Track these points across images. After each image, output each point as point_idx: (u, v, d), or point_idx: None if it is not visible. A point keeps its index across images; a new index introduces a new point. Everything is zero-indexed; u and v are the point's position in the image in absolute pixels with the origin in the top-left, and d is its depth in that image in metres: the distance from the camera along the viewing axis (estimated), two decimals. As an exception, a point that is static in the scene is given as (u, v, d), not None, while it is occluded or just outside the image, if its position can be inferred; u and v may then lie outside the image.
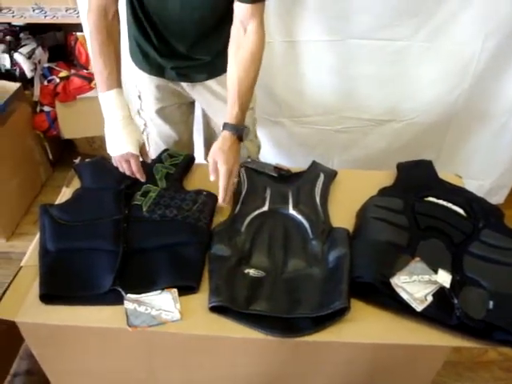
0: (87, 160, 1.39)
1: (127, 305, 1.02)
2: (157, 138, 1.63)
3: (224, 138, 1.23)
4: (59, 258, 1.13)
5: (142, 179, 1.28)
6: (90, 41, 1.26)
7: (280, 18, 1.70)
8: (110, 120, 1.24)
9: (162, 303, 1.03)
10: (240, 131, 1.24)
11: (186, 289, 1.07)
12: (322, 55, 1.79)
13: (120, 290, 1.05)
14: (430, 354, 1.10)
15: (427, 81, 1.85)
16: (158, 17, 1.31)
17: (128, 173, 1.27)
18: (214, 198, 1.26)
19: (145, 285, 1.07)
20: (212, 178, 1.22)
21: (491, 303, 1.00)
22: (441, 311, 0.99)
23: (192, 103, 1.61)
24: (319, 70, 1.84)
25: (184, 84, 1.48)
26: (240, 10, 1.20)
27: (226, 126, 1.24)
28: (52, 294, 1.06)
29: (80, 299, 1.06)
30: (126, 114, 1.25)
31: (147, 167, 1.34)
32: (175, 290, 1.05)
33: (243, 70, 1.23)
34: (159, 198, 1.25)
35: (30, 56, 2.51)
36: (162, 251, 1.13)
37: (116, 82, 1.24)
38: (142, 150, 1.28)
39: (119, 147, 1.24)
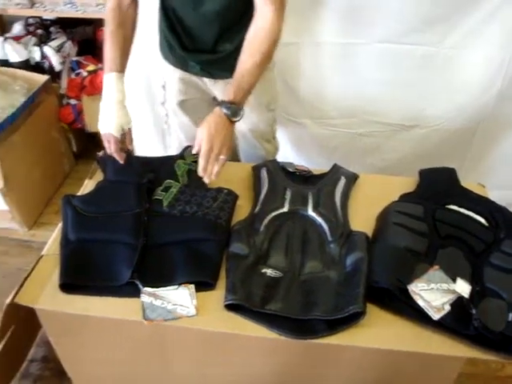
0: (109, 155, 1.40)
1: (144, 298, 1.03)
2: (178, 129, 1.66)
3: (214, 113, 1.21)
4: (80, 248, 1.15)
5: (121, 161, 1.31)
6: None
7: (306, 20, 1.70)
8: (104, 100, 1.29)
9: (179, 298, 1.04)
10: (232, 110, 1.21)
11: (203, 285, 1.07)
12: (347, 58, 1.78)
13: (138, 283, 1.06)
14: (444, 364, 1.08)
15: (453, 87, 1.83)
16: (182, 12, 1.33)
17: (108, 151, 1.31)
18: (235, 196, 1.27)
19: (162, 279, 1.08)
20: (194, 151, 1.20)
21: (511, 315, 0.98)
22: (458, 321, 0.98)
23: (215, 99, 1.62)
24: (344, 72, 1.83)
25: (206, 79, 1.50)
26: None
27: (220, 102, 1.22)
28: (71, 283, 1.08)
29: (98, 290, 1.08)
30: (120, 98, 1.29)
31: (169, 163, 1.36)
32: (192, 285, 1.06)
33: (248, 52, 1.22)
34: (180, 194, 1.26)
35: (59, 49, 2.55)
36: (180, 246, 1.14)
37: (118, 66, 1.29)
38: (126, 136, 1.31)
39: (104, 126, 1.29)
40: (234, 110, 1.21)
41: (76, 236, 1.17)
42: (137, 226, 1.18)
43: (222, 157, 1.19)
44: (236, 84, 1.22)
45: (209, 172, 1.17)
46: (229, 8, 1.27)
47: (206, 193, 1.26)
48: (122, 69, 1.30)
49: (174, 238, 1.17)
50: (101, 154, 1.40)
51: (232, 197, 1.27)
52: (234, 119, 1.23)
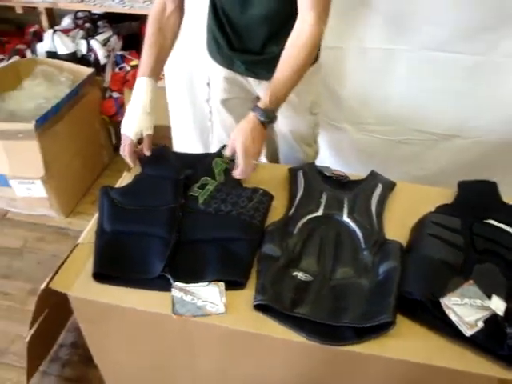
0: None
1: (174, 292, 1.04)
2: (220, 127, 1.66)
3: (248, 119, 1.23)
4: (114, 240, 1.17)
5: (131, 165, 1.33)
6: None
7: (351, 24, 1.69)
8: (132, 102, 1.31)
9: (209, 295, 1.04)
10: (266, 117, 1.22)
11: (233, 284, 1.07)
12: (392, 64, 1.76)
13: (169, 277, 1.07)
14: (474, 382, 1.06)
15: (499, 98, 1.78)
16: (231, 14, 1.34)
17: (122, 153, 1.33)
18: (270, 197, 1.27)
19: (193, 275, 1.09)
20: (227, 153, 1.25)
21: (547, 337, 0.95)
22: (491, 339, 0.95)
23: (258, 99, 1.62)
24: (388, 78, 1.81)
25: (251, 79, 1.50)
26: (301, 2, 1.20)
27: (254, 108, 1.23)
28: (104, 273, 1.10)
29: (129, 282, 1.09)
30: (146, 102, 1.30)
31: (207, 160, 1.37)
32: (222, 283, 1.06)
33: (287, 58, 1.22)
34: (216, 192, 1.27)
35: (105, 43, 2.61)
36: (213, 244, 1.15)
37: (150, 71, 1.30)
38: (144, 141, 1.32)
39: (124, 127, 1.31)
40: (268, 116, 1.22)
41: (111, 227, 1.19)
42: (171, 220, 1.19)
43: (254, 162, 1.23)
44: (272, 91, 1.22)
45: (243, 177, 1.25)
46: (277, 12, 1.27)
47: (241, 192, 1.27)
48: (153, 74, 1.31)
49: (207, 235, 1.18)
50: (140, 147, 1.41)
51: (267, 197, 1.27)
52: (268, 125, 1.24)
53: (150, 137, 1.33)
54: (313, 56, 1.25)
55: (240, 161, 1.22)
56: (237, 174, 1.24)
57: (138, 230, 1.19)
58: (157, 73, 1.33)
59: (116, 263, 1.12)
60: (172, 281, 1.06)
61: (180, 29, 1.37)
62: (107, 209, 1.23)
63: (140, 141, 1.32)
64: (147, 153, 1.33)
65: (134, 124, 1.29)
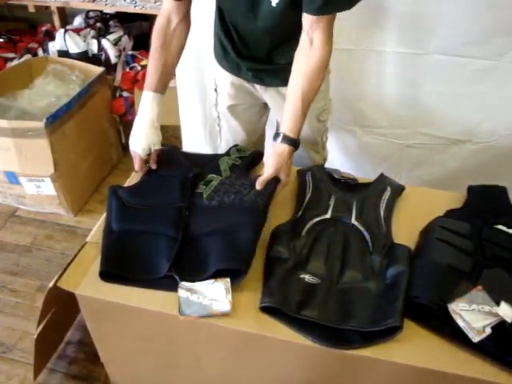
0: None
1: (181, 293, 1.04)
2: (227, 132, 1.66)
3: (282, 152, 1.23)
4: (121, 239, 1.17)
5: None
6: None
7: (363, 26, 1.68)
8: (138, 116, 1.31)
9: (215, 293, 1.04)
10: (293, 143, 1.23)
11: (237, 273, 1.07)
12: (402, 67, 1.75)
13: (175, 276, 1.07)
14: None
15: (511, 103, 1.77)
16: (237, 25, 1.34)
17: (135, 167, 1.34)
18: (276, 180, 1.24)
19: (197, 269, 1.08)
20: (259, 187, 1.22)
21: (556, 345, 0.94)
22: (499, 346, 0.95)
23: (265, 105, 1.62)
24: (398, 82, 1.80)
25: (258, 86, 1.50)
26: (306, 21, 1.18)
27: (285, 138, 1.23)
28: (110, 272, 1.10)
29: (136, 281, 1.09)
30: (152, 117, 1.30)
31: (214, 160, 1.37)
32: (228, 279, 1.05)
33: (308, 83, 1.22)
34: (220, 186, 1.27)
35: (116, 43, 2.63)
36: (215, 236, 1.14)
37: (154, 86, 1.30)
38: (152, 155, 1.33)
39: (131, 142, 1.32)
40: (297, 143, 1.25)
41: (119, 226, 1.19)
42: (178, 219, 1.19)
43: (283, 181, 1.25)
44: (293, 120, 1.23)
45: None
46: (281, 25, 1.25)
47: (244, 181, 1.26)
48: (158, 89, 1.31)
49: (210, 228, 1.17)
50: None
51: (272, 182, 1.23)
52: (295, 150, 1.26)
53: (158, 151, 1.34)
54: (324, 76, 1.26)
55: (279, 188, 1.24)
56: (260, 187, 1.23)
57: (144, 229, 1.19)
58: (163, 86, 1.33)
59: (122, 262, 1.12)
60: (178, 280, 1.06)
61: (186, 40, 1.36)
62: (115, 208, 1.23)
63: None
64: (153, 166, 1.34)
65: (142, 140, 1.30)
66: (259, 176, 1.24)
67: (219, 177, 1.31)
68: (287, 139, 1.23)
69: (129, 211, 1.23)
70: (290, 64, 1.24)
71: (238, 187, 1.25)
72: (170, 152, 1.41)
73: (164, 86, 1.34)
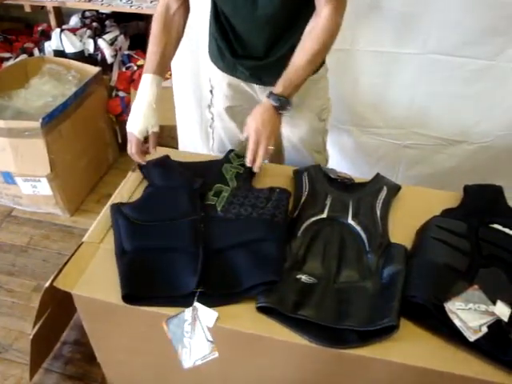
0: (151, 160, 1.37)
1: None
2: (222, 134, 1.65)
3: (263, 105, 1.23)
4: (138, 258, 1.12)
5: (141, 161, 1.31)
6: None
7: (359, 26, 1.68)
8: (137, 99, 1.30)
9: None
10: (281, 103, 1.22)
11: (270, 283, 1.05)
12: (400, 68, 1.76)
13: (204, 291, 1.05)
14: (477, 387, 1.05)
15: (507, 104, 1.77)
16: (234, 18, 1.33)
17: (129, 152, 1.31)
18: (288, 194, 1.26)
19: (228, 285, 1.06)
20: (242, 138, 1.23)
21: (552, 343, 0.94)
22: (495, 345, 0.95)
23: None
24: (395, 82, 1.81)
25: (256, 86, 1.49)
26: None
27: (269, 94, 1.23)
28: (134, 294, 1.05)
29: (162, 300, 1.06)
30: (150, 99, 1.28)
31: (215, 167, 1.36)
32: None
33: (302, 47, 1.22)
34: (232, 197, 1.26)
35: (112, 43, 2.62)
36: (240, 249, 1.12)
37: (155, 68, 1.29)
38: (150, 139, 1.30)
39: (129, 125, 1.30)
40: (282, 102, 1.22)
41: (132, 245, 1.14)
42: (194, 233, 1.15)
43: (270, 147, 1.22)
44: (287, 77, 1.22)
45: (257, 164, 1.22)
46: (281, 13, 1.26)
47: (258, 194, 1.26)
48: (158, 71, 1.30)
49: (232, 241, 1.14)
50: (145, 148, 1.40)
51: (286, 195, 1.26)
52: (282, 112, 1.24)
53: (156, 134, 1.31)
54: (328, 47, 1.24)
55: (251, 144, 1.20)
56: (248, 157, 1.21)
57: (160, 245, 1.15)
58: (162, 70, 1.32)
59: (144, 282, 1.07)
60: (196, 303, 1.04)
61: (185, 26, 1.36)
62: (124, 227, 1.18)
63: (146, 139, 1.31)
64: (152, 151, 1.31)
65: (139, 121, 1.28)
66: (271, 187, 1.27)
67: (228, 187, 1.30)
68: (273, 96, 1.22)
69: (140, 229, 1.17)
70: (287, 57, 1.24)
71: (253, 200, 1.24)
72: (164, 162, 1.38)
73: (163, 69, 1.33)
